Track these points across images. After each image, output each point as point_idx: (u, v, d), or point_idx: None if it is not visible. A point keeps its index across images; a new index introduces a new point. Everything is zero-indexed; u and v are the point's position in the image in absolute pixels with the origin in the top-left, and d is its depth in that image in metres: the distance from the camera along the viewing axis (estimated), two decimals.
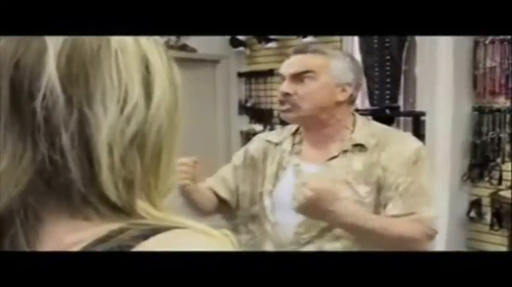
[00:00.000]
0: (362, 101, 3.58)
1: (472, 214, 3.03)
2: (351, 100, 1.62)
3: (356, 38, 3.54)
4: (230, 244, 0.52)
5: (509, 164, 2.88)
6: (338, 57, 1.60)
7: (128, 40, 0.54)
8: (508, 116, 2.87)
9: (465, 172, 3.04)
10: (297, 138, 1.66)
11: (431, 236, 1.49)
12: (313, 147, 1.62)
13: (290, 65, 1.59)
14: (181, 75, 0.60)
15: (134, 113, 0.53)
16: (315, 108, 1.55)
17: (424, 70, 3.16)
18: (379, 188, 1.50)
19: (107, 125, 0.51)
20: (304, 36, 3.35)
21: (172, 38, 3.67)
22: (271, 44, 3.79)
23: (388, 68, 3.41)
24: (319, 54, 1.57)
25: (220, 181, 1.73)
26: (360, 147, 1.55)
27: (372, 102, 3.50)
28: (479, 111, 2.98)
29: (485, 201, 3.00)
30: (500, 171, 2.93)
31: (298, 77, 1.56)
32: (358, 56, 3.40)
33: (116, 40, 0.53)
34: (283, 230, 1.58)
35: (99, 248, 0.50)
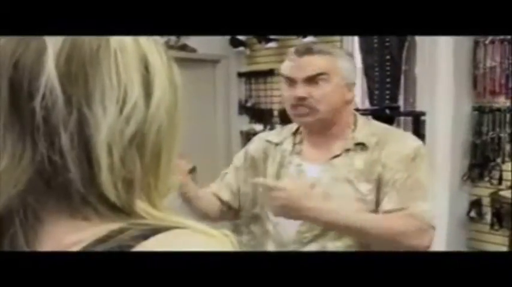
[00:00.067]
0: (362, 101, 3.59)
1: (472, 214, 3.03)
2: (353, 99, 1.64)
3: (356, 38, 3.53)
4: (230, 244, 0.52)
5: (510, 164, 2.88)
6: (343, 57, 1.59)
7: (128, 40, 0.54)
8: (508, 115, 2.87)
9: (465, 172, 3.04)
10: (298, 138, 1.66)
11: (426, 231, 1.47)
12: (314, 147, 1.62)
13: (301, 68, 1.55)
14: (181, 75, 0.60)
15: (133, 113, 0.53)
16: (331, 110, 1.55)
17: (424, 70, 3.16)
18: (379, 185, 1.51)
19: (106, 125, 0.51)
20: (304, 36, 3.35)
21: (172, 38, 3.66)
22: (271, 44, 3.78)
23: (388, 68, 3.41)
24: (327, 54, 1.56)
25: (224, 185, 1.74)
26: (361, 146, 1.55)
27: (372, 102, 3.50)
28: (479, 111, 2.98)
29: (486, 201, 2.99)
30: (501, 171, 2.92)
31: (313, 79, 1.54)
32: (358, 56, 3.40)
33: (115, 40, 0.53)
34: (285, 229, 1.58)
35: (99, 248, 0.50)
